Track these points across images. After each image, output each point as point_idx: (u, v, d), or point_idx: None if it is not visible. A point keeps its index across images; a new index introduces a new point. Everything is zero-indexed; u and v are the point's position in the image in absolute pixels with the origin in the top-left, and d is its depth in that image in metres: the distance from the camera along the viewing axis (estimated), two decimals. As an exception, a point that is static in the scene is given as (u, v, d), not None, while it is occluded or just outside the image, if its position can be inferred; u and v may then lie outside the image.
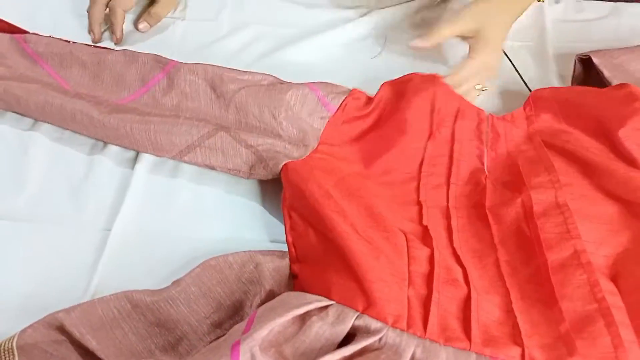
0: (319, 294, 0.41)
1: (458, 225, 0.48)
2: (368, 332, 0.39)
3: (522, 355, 0.39)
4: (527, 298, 0.43)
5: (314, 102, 0.56)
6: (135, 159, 0.59)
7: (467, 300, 0.42)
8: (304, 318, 0.39)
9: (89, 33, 0.68)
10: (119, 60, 0.60)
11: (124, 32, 0.68)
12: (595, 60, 0.59)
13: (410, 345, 0.39)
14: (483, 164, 0.53)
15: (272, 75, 0.58)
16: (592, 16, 0.72)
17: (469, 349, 0.39)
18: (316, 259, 0.46)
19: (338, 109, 0.56)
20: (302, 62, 0.67)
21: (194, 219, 0.55)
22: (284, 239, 0.50)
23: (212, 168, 0.55)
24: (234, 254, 0.49)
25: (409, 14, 0.72)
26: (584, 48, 0.63)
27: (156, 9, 0.68)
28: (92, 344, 0.43)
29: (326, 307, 0.40)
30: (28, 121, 0.62)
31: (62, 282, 0.51)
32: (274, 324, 0.38)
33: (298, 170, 0.50)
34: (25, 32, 0.65)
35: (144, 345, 0.45)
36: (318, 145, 0.54)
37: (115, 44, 0.68)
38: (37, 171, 0.58)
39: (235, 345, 0.36)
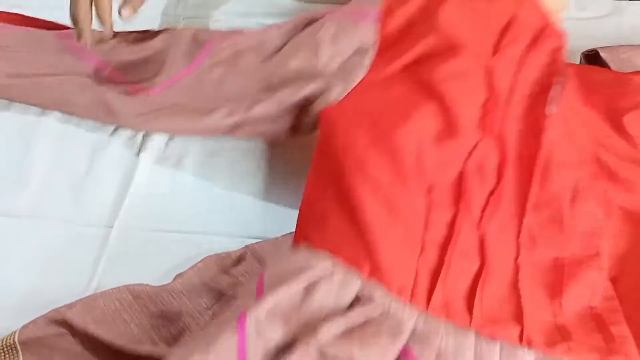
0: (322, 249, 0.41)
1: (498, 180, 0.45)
2: (371, 300, 0.39)
3: (521, 336, 0.39)
4: (536, 279, 0.43)
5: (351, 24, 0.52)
6: (138, 154, 0.58)
7: (477, 276, 0.42)
8: (308, 287, 0.39)
9: (78, 40, 0.55)
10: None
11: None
12: (602, 55, 0.59)
13: (411, 317, 0.39)
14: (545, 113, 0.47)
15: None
16: (593, 14, 0.72)
17: (469, 326, 0.39)
18: (325, 219, 0.44)
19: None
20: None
21: (197, 216, 0.55)
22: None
23: (264, 135, 0.55)
24: (236, 250, 0.50)
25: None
26: (586, 46, 0.63)
27: None
28: (96, 332, 0.43)
29: (331, 273, 0.40)
30: (31, 117, 0.62)
31: (64, 279, 0.51)
32: (280, 296, 0.38)
33: (330, 114, 0.48)
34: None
35: (146, 336, 0.45)
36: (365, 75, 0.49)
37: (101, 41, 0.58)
38: (39, 168, 0.58)
39: (242, 316, 0.37)
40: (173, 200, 0.56)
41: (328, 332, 0.37)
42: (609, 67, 0.58)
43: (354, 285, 0.40)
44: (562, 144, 0.47)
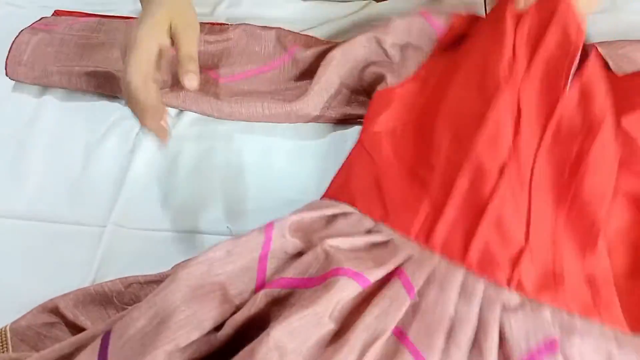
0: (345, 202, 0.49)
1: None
2: (379, 233, 0.46)
3: (509, 279, 0.43)
4: (544, 232, 0.46)
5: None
6: (131, 153, 0.58)
7: (476, 223, 0.45)
8: (329, 219, 0.47)
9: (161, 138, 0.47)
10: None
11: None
12: (600, 50, 0.59)
13: (410, 247, 0.45)
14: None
15: None
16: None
17: (462, 264, 0.44)
18: (350, 180, 0.52)
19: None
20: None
21: (190, 215, 0.55)
22: None
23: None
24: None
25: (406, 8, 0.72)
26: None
27: (186, 49, 0.48)
28: (86, 323, 0.45)
29: (350, 213, 0.48)
30: (25, 118, 0.62)
31: (58, 278, 0.51)
32: (305, 215, 0.46)
33: (380, 97, 0.55)
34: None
35: None
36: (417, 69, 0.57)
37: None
38: (35, 169, 0.58)
39: (269, 225, 0.44)
40: (167, 199, 0.56)
41: (336, 241, 0.44)
42: (606, 63, 0.58)
43: (367, 223, 0.47)
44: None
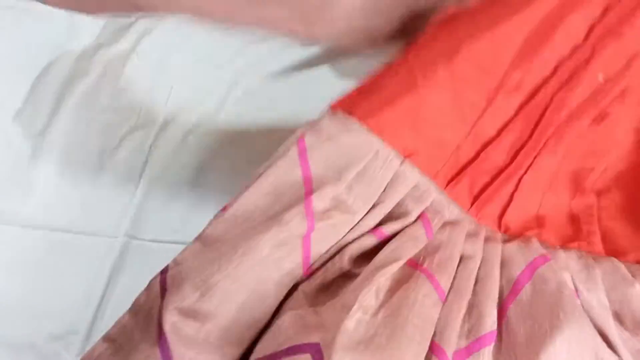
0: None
1: None
2: (404, 180, 0.47)
3: (499, 223, 0.49)
4: (538, 180, 0.50)
5: None
6: (144, 164, 0.58)
7: (498, 175, 0.49)
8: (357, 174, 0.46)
9: None
10: None
11: None
12: None
13: (432, 192, 0.48)
14: None
15: None
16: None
17: (467, 211, 0.49)
18: (388, 102, 0.48)
19: None
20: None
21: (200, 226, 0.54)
22: None
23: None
24: None
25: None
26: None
27: None
28: None
29: (376, 154, 0.46)
30: (38, 128, 0.62)
31: (69, 288, 0.53)
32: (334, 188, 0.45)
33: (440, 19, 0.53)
34: None
35: None
36: None
37: None
38: (47, 179, 0.58)
39: (308, 205, 0.44)
40: (178, 211, 0.56)
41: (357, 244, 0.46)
42: None
43: (395, 163, 0.47)
44: None
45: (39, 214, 0.55)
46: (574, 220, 0.50)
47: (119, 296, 0.52)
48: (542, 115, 0.49)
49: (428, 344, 0.41)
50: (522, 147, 0.49)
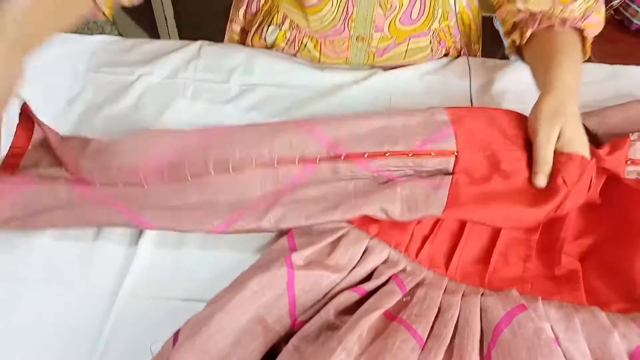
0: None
1: None
2: (376, 251, 0.54)
3: (482, 281, 0.55)
4: (510, 249, 0.57)
5: None
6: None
7: (456, 244, 0.57)
8: (334, 242, 0.54)
9: None
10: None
11: None
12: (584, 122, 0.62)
13: (403, 262, 0.55)
14: None
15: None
16: (590, 79, 0.74)
17: (445, 274, 0.55)
18: None
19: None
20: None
21: (201, 284, 0.56)
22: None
23: None
24: None
25: (414, 77, 0.76)
26: (582, 110, 0.65)
27: None
28: None
29: (348, 231, 0.55)
30: None
31: (69, 343, 0.52)
32: (315, 247, 0.53)
33: None
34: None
35: None
36: None
37: None
38: (48, 236, 0.59)
39: (287, 257, 0.51)
40: (178, 268, 0.58)
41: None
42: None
43: (365, 239, 0.55)
44: None
45: (41, 271, 0.56)
46: (558, 281, 0.55)
47: (120, 351, 0.53)
48: None
49: None
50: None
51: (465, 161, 0.58)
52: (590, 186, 0.57)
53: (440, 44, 0.79)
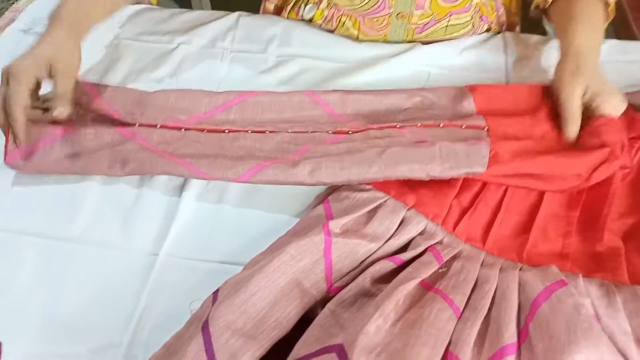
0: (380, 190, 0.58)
1: None
2: (413, 222, 0.55)
3: (520, 257, 0.55)
4: (551, 225, 0.57)
5: None
6: (182, 187, 0.61)
7: (493, 218, 0.57)
8: (370, 213, 0.55)
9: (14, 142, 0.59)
10: None
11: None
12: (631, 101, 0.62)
13: (440, 234, 0.55)
14: None
15: None
16: (636, 57, 0.74)
17: (482, 249, 0.56)
18: None
19: None
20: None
21: (240, 244, 0.57)
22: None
23: None
24: None
25: (453, 52, 0.75)
26: (628, 89, 0.64)
27: (59, 90, 0.59)
28: None
29: (386, 200, 0.56)
30: None
31: (109, 304, 0.54)
32: (352, 216, 0.54)
33: None
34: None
35: None
36: None
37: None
38: (90, 199, 0.61)
39: (325, 225, 0.52)
40: (216, 229, 0.59)
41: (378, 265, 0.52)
42: None
43: (401, 210, 0.56)
44: None
45: (84, 233, 0.57)
46: (599, 259, 0.54)
47: (159, 312, 0.54)
48: None
49: (442, 351, 0.44)
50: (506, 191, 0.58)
51: (497, 130, 0.59)
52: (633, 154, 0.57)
53: (482, 19, 0.78)
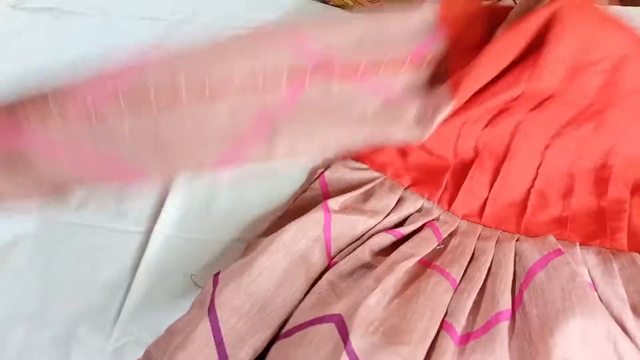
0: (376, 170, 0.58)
1: None
2: (410, 200, 0.56)
3: (518, 227, 0.54)
4: (550, 185, 0.56)
5: None
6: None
7: (490, 189, 0.56)
8: (367, 192, 0.56)
9: None
10: None
11: None
12: None
13: (436, 211, 0.56)
14: None
15: None
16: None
17: (479, 223, 0.55)
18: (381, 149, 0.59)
19: None
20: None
21: (234, 222, 0.58)
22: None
23: None
24: None
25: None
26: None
27: None
28: None
29: (382, 180, 0.57)
30: None
31: (103, 282, 0.55)
32: (351, 195, 0.55)
33: None
34: None
35: None
36: None
37: None
38: None
39: (324, 203, 0.53)
40: (210, 207, 0.59)
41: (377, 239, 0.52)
42: None
43: (399, 189, 0.56)
44: None
45: (74, 212, 0.57)
46: (600, 218, 0.54)
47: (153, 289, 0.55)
48: (514, 131, 0.56)
49: (439, 321, 0.45)
50: (502, 160, 0.57)
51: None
52: None
53: None
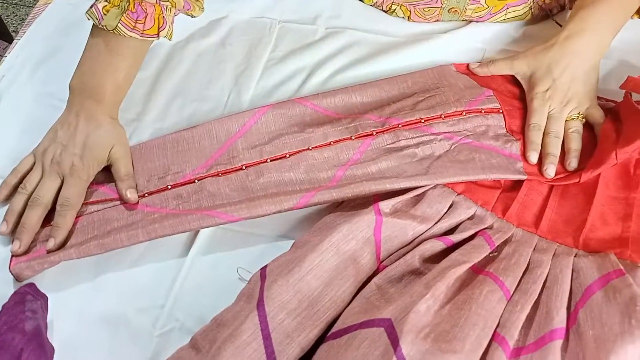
0: None
1: None
2: (462, 207, 0.56)
3: (576, 242, 0.53)
4: (609, 209, 0.56)
5: None
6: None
7: (546, 202, 0.57)
8: (418, 196, 0.56)
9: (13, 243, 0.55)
10: None
11: None
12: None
13: (490, 219, 0.55)
14: None
15: None
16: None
17: (535, 233, 0.55)
18: None
19: None
20: (393, 70, 0.70)
21: (281, 218, 0.57)
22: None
23: None
24: None
25: (509, 29, 0.73)
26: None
27: (124, 170, 0.59)
28: None
29: (434, 186, 0.56)
30: (133, 114, 0.69)
31: (156, 267, 0.56)
32: (401, 198, 0.55)
33: None
34: None
35: None
36: None
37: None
38: None
39: (375, 205, 0.53)
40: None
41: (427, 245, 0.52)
42: None
43: (450, 195, 0.56)
44: None
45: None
46: None
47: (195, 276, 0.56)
48: None
49: (491, 332, 0.45)
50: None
51: (512, 118, 0.61)
52: None
53: (541, 9, 0.74)
